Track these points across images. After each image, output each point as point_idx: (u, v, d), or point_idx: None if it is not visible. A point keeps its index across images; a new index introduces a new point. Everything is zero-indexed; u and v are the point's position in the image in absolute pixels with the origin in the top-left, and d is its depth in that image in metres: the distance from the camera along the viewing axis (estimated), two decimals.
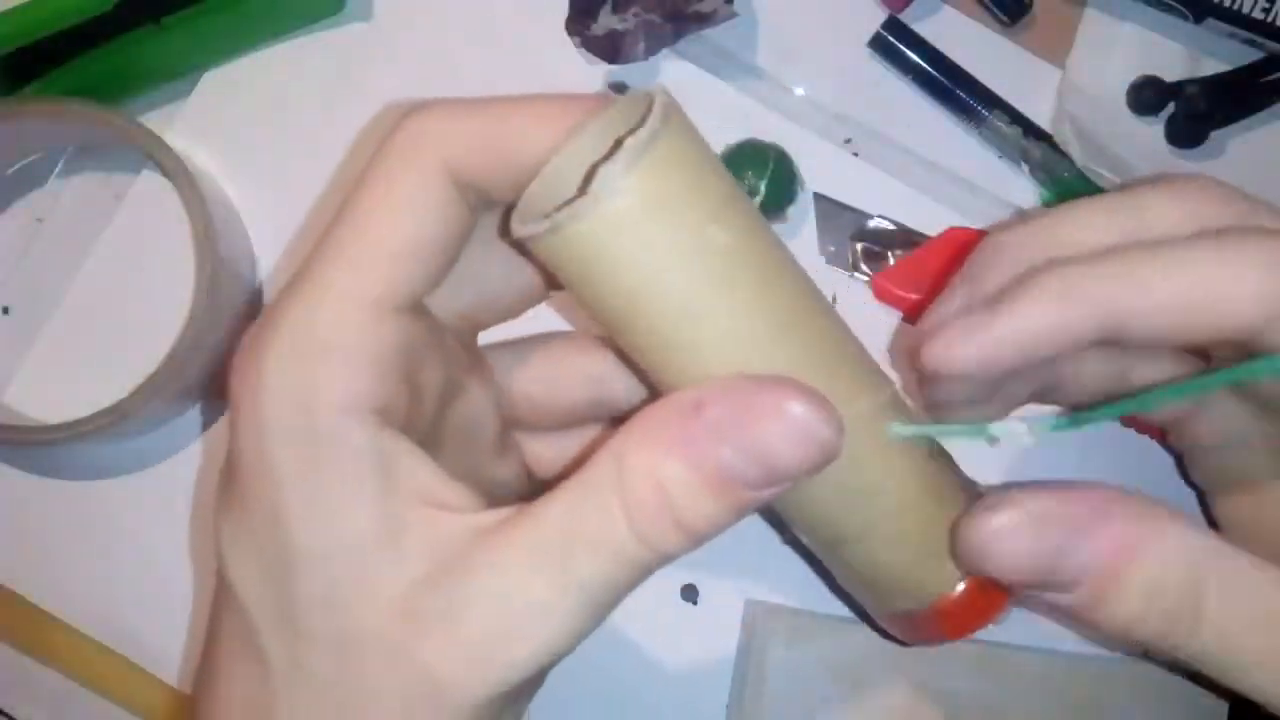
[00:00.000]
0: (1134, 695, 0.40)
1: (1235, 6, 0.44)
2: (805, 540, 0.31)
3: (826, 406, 0.23)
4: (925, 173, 0.45)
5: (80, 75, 0.40)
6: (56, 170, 0.43)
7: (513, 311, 0.31)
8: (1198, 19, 0.44)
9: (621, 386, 0.31)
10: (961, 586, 0.29)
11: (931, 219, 0.44)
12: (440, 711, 0.23)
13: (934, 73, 0.45)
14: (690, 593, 0.42)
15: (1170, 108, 0.45)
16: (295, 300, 0.25)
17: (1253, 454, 0.33)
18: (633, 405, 0.31)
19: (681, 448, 0.23)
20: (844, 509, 0.28)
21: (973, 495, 0.29)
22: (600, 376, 0.31)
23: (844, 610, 0.41)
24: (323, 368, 0.24)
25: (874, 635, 0.40)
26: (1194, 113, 0.45)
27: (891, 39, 0.45)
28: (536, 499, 0.24)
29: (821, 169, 0.44)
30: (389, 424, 0.25)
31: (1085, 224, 0.30)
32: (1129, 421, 0.42)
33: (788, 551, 0.42)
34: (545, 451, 0.33)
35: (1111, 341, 0.28)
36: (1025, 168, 0.45)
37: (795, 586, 0.42)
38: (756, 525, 0.42)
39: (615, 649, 0.41)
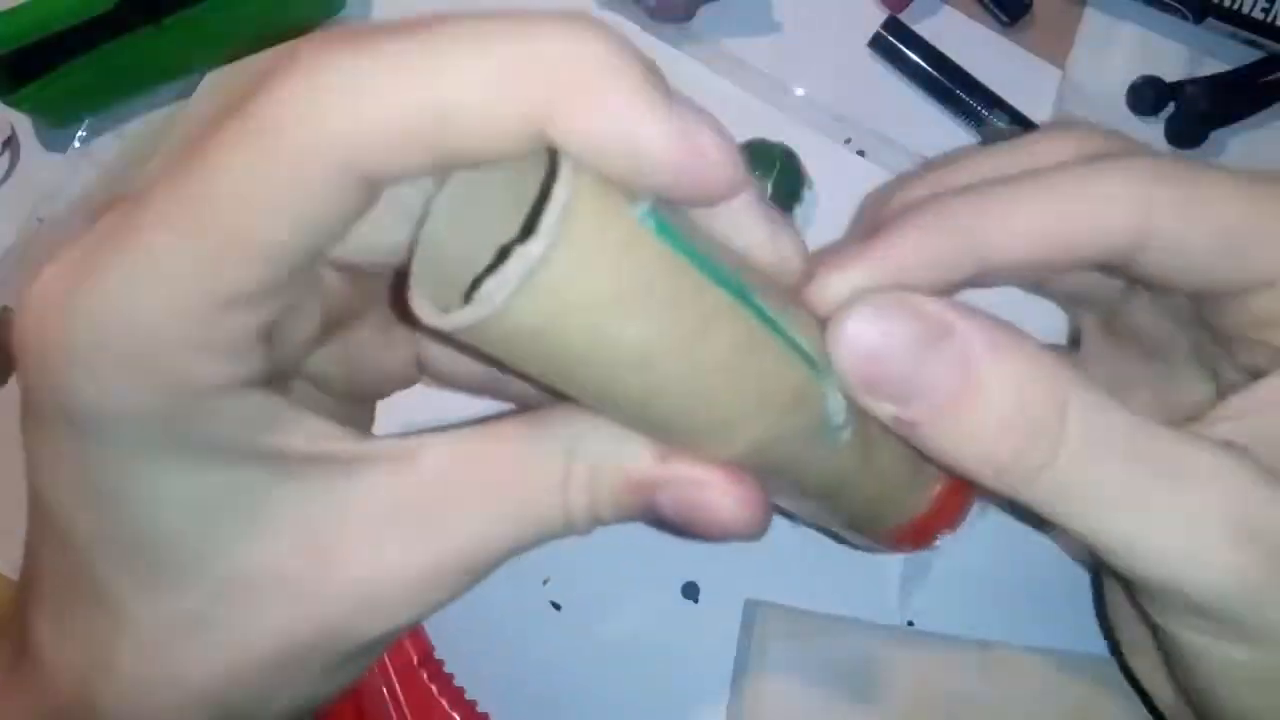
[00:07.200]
0: (1134, 695, 0.40)
1: (1235, 6, 0.44)
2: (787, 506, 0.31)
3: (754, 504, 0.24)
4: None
5: (80, 75, 0.40)
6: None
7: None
8: (1198, 19, 0.44)
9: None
10: (934, 493, 0.30)
11: None
12: (330, 653, 0.23)
13: (934, 73, 0.45)
14: (691, 590, 0.42)
15: (1170, 108, 0.45)
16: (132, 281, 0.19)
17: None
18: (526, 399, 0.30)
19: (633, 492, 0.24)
20: (824, 497, 0.28)
21: None
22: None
23: (844, 610, 0.41)
24: (180, 359, 0.20)
25: (874, 635, 0.40)
26: (1194, 113, 0.45)
27: (891, 39, 0.45)
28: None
29: (827, 169, 0.44)
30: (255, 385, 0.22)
31: (975, 167, 0.30)
32: None
33: (788, 551, 0.42)
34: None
35: (992, 272, 0.27)
36: None
37: (795, 586, 0.42)
38: None
39: (615, 647, 0.41)
